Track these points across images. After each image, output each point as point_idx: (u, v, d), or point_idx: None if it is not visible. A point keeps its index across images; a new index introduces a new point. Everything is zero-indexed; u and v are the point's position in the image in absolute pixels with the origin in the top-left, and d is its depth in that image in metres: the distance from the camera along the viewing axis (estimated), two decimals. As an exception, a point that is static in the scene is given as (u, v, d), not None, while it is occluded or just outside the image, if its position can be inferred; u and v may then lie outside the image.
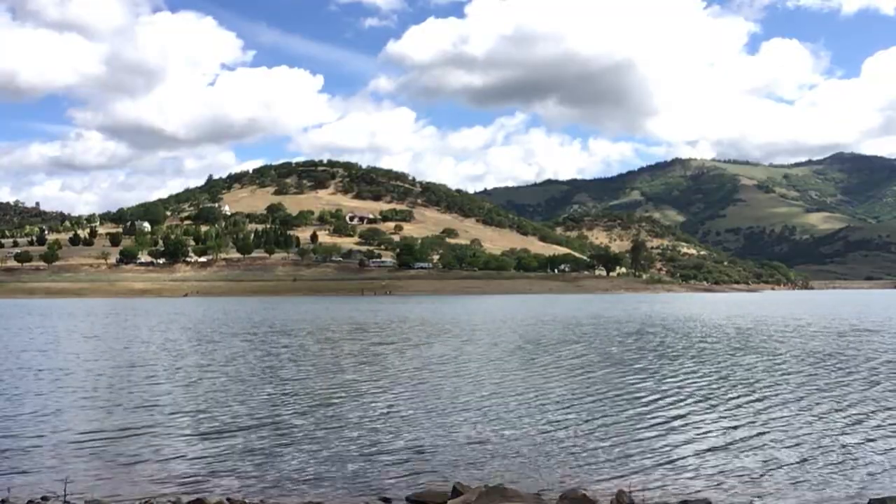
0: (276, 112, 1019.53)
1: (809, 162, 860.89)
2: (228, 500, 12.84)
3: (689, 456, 15.81)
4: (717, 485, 13.74)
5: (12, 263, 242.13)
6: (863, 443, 16.81)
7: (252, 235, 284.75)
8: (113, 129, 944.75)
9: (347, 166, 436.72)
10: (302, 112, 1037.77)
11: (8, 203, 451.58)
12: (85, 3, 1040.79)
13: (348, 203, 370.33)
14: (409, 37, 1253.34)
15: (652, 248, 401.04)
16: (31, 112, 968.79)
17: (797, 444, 16.70)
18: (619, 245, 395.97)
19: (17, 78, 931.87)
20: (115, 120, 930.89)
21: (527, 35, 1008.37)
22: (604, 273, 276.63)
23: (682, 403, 22.16)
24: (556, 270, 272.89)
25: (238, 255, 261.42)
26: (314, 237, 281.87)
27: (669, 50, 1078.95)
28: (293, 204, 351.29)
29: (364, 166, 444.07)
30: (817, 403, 21.95)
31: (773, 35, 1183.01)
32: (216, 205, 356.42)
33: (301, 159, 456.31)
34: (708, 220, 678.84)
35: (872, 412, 20.45)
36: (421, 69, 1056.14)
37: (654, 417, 19.97)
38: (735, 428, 18.54)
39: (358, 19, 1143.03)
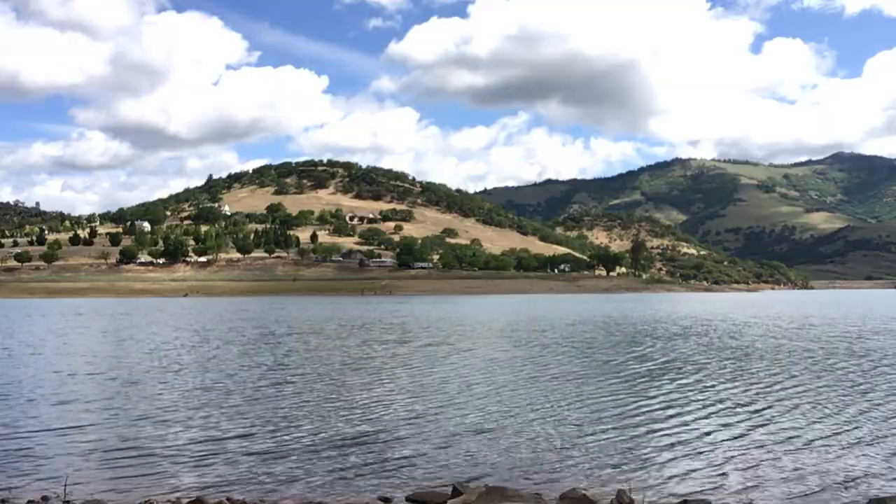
0: (280, 112, 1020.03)
1: (810, 162, 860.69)
2: (228, 499, 12.84)
3: (689, 456, 15.82)
4: (717, 485, 13.75)
5: (12, 263, 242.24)
6: (864, 443, 16.82)
7: (252, 235, 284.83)
8: (115, 128, 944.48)
9: (347, 166, 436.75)
10: (305, 112, 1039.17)
11: (8, 203, 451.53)
12: (89, 2, 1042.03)
13: (348, 203, 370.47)
14: (412, 37, 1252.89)
15: (652, 247, 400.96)
16: (33, 112, 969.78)
17: (798, 445, 16.70)
18: (619, 245, 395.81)
19: (19, 77, 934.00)
20: (117, 120, 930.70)
21: (530, 35, 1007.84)
22: (604, 273, 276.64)
23: (683, 404, 22.17)
24: (556, 270, 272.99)
25: (238, 255, 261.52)
26: (314, 237, 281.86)
27: (673, 50, 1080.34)
28: (293, 204, 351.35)
29: (364, 166, 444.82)
30: (819, 403, 21.97)
31: (778, 35, 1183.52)
32: (216, 205, 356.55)
33: (302, 159, 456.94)
34: (708, 220, 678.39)
35: (875, 412, 20.47)
36: (424, 69, 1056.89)
37: (654, 417, 19.98)
38: (737, 428, 18.55)
39: (362, 19, 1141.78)
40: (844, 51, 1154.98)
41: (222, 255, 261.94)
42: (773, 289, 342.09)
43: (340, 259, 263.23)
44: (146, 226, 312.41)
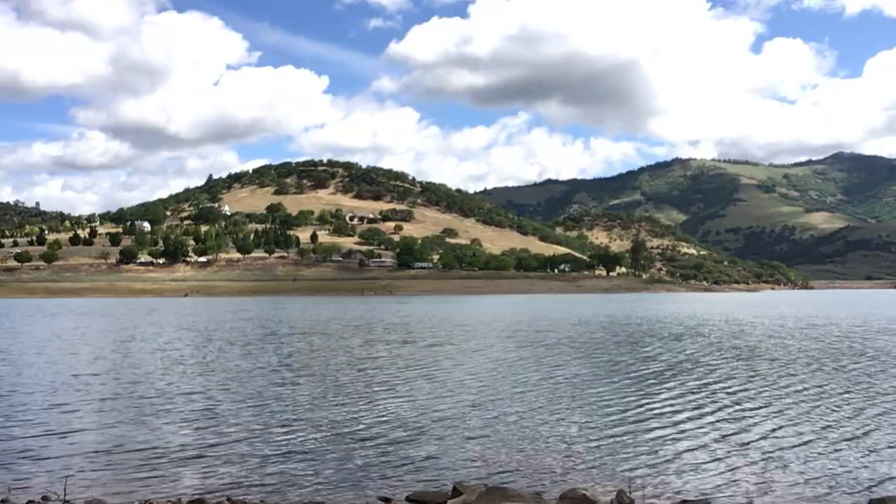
0: (281, 112, 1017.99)
1: (810, 162, 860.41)
2: (228, 499, 12.84)
3: (689, 456, 15.83)
4: (717, 485, 13.75)
5: (12, 263, 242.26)
6: (863, 444, 16.82)
7: (252, 235, 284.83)
8: (116, 128, 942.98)
9: (347, 166, 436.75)
10: (306, 112, 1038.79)
11: (8, 203, 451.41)
12: (90, 2, 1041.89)
13: (348, 203, 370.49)
14: (412, 37, 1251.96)
15: (652, 247, 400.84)
16: (33, 112, 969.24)
17: (798, 445, 16.71)
18: (619, 245, 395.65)
19: (20, 77, 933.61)
20: (118, 120, 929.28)
21: (530, 35, 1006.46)
22: (604, 273, 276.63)
23: (683, 404, 22.17)
24: (556, 270, 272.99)
25: (238, 255, 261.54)
26: (314, 237, 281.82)
27: (673, 50, 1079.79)
28: (293, 204, 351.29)
29: (364, 166, 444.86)
30: (820, 405, 21.97)
31: (778, 35, 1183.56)
32: (216, 205, 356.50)
33: (302, 159, 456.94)
34: (708, 220, 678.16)
35: (876, 413, 20.46)
36: (424, 69, 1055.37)
37: (655, 418, 19.98)
38: (737, 429, 18.55)
39: (362, 19, 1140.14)
40: (845, 51, 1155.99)
41: (222, 255, 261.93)
42: (773, 289, 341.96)
43: (340, 259, 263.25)
44: (146, 226, 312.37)
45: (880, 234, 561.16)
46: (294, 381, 27.49)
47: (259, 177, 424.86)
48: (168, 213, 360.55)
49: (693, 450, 16.35)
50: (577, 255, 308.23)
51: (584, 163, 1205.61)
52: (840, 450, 16.19)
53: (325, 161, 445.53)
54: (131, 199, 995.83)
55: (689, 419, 19.72)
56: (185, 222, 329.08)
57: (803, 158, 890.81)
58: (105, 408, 22.06)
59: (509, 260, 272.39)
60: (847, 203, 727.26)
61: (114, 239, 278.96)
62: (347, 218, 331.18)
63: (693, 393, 24.18)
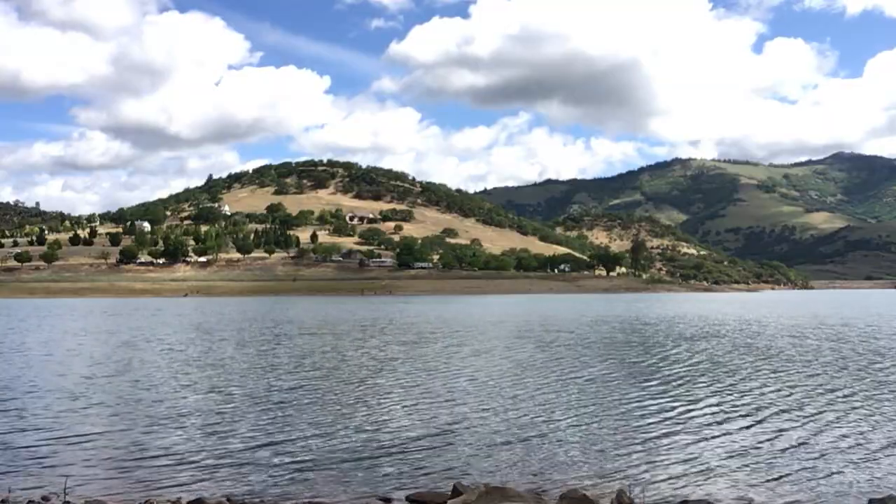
0: (282, 112, 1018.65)
1: (810, 162, 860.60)
2: (228, 500, 12.84)
3: (690, 457, 15.81)
4: (718, 485, 13.74)
5: (12, 263, 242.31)
6: (863, 443, 16.80)
7: (252, 235, 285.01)
8: (116, 128, 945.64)
9: (347, 166, 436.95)
10: (307, 112, 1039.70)
11: (8, 203, 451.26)
12: (91, 2, 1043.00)
13: (348, 203, 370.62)
14: (413, 37, 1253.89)
15: (652, 247, 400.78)
16: (34, 112, 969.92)
17: (798, 445, 16.69)
18: (619, 245, 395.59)
19: (21, 77, 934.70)
20: (118, 120, 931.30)
21: (531, 35, 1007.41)
22: (604, 273, 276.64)
23: (683, 405, 22.15)
24: (556, 270, 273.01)
25: (238, 255, 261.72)
26: (314, 237, 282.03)
27: (674, 50, 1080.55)
28: (293, 204, 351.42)
29: (364, 166, 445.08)
30: (819, 405, 21.95)
31: (779, 35, 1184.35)
32: (216, 205, 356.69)
33: (302, 159, 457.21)
34: (708, 220, 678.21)
35: (875, 413, 20.46)
36: (425, 69, 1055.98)
37: (655, 418, 19.96)
38: (736, 429, 18.53)
39: (364, 19, 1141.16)
40: (845, 51, 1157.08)
41: (222, 255, 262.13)
42: (773, 289, 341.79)
43: (340, 259, 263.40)
44: (146, 226, 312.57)
45: (880, 234, 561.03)
46: (300, 383, 27.47)
47: (259, 177, 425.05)
48: (168, 213, 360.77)
49: (694, 450, 16.33)
50: (577, 255, 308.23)
51: (584, 163, 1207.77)
52: (842, 450, 16.17)
53: (325, 161, 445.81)
54: (131, 199, 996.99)
55: (691, 419, 19.70)
56: (185, 222, 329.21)
57: (803, 158, 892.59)
58: (107, 408, 22.05)
59: (509, 260, 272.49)
60: (847, 203, 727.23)
61: (114, 239, 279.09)
62: (347, 218, 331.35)
63: (694, 393, 24.17)
